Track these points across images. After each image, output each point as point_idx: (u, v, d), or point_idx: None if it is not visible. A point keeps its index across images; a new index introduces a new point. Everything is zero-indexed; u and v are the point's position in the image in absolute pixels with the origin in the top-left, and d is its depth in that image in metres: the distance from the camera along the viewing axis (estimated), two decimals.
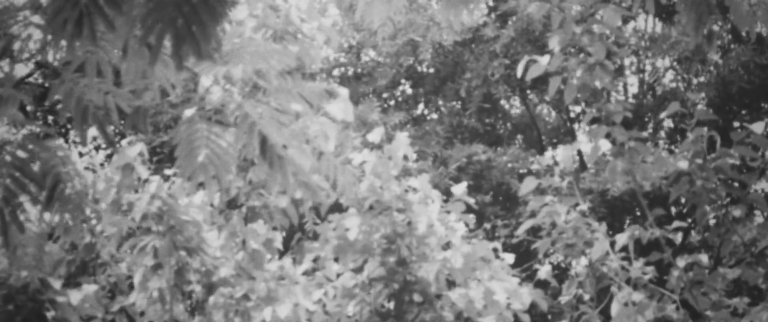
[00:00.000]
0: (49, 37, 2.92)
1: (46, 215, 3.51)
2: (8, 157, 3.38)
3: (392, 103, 17.60)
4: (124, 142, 7.23)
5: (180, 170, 3.55)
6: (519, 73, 6.63)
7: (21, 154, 3.40)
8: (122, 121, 3.48)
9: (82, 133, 3.42)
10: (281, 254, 7.91)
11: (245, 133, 3.55)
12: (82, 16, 2.81)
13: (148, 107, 3.45)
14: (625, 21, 16.01)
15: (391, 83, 17.17)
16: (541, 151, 17.65)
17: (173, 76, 2.98)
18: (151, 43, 2.73)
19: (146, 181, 7.20)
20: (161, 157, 13.90)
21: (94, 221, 6.94)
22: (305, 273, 7.72)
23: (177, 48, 2.71)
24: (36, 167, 3.41)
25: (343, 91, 5.95)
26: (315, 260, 7.80)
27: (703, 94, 15.84)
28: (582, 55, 6.55)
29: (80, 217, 3.50)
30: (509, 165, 16.37)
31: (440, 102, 17.84)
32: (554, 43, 6.51)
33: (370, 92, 16.82)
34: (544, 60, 6.56)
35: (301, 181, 3.61)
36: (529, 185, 7.22)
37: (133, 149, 7.15)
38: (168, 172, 7.36)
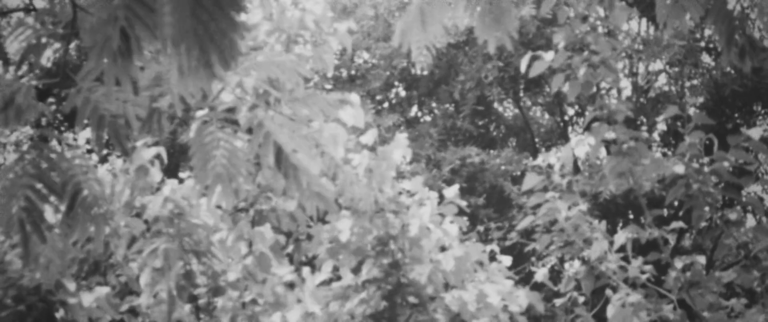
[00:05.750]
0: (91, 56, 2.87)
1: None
2: (29, 168, 3.35)
3: (386, 105, 17.60)
4: (138, 144, 7.21)
5: (196, 177, 3.53)
6: (522, 68, 6.61)
7: (42, 164, 3.38)
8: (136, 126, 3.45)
9: (99, 142, 3.39)
10: (291, 259, 7.91)
11: (260, 143, 3.54)
12: (128, 37, 2.78)
13: (163, 111, 3.43)
14: (604, 25, 15.99)
15: (385, 86, 17.18)
16: (535, 154, 17.67)
17: (192, 85, 2.97)
18: (183, 59, 2.71)
19: (162, 182, 7.20)
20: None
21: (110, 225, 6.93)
22: (322, 283, 7.72)
23: (206, 59, 2.70)
24: (56, 177, 3.39)
25: (355, 98, 5.95)
26: (318, 266, 7.78)
27: (701, 99, 15.87)
28: (586, 53, 6.54)
29: (103, 225, 3.48)
30: (502, 168, 16.38)
31: (434, 104, 17.86)
32: (559, 38, 6.50)
33: (363, 94, 16.82)
34: (548, 56, 6.55)
35: (314, 191, 3.60)
36: (531, 180, 7.21)
37: (149, 152, 7.13)
38: (182, 175, 7.35)
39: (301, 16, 6.45)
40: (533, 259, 14.97)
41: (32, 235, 3.30)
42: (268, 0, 6.44)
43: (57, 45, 3.60)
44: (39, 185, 3.35)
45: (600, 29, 6.47)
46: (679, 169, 6.93)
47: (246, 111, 3.56)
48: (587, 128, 7.01)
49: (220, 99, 3.62)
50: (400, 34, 3.94)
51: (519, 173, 16.23)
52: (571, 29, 6.47)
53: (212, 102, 3.61)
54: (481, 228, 15.57)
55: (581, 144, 7.13)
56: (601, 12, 6.76)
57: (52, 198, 3.37)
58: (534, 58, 6.62)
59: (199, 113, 3.57)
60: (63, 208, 3.42)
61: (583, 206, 7.29)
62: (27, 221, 3.30)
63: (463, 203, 7.95)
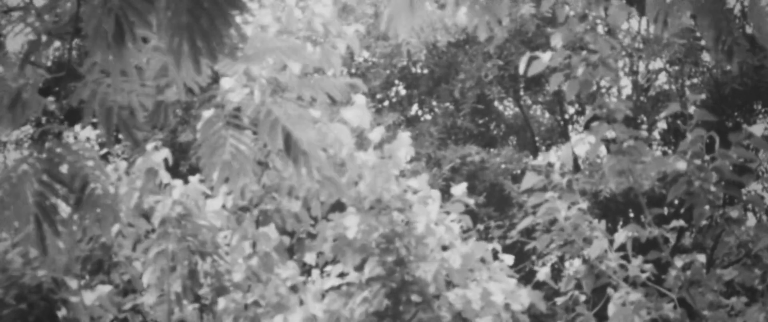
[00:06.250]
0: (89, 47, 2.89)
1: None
2: (37, 163, 3.35)
3: (386, 104, 17.61)
4: (148, 147, 7.24)
5: (204, 168, 3.54)
6: (520, 69, 6.62)
7: (49, 157, 3.37)
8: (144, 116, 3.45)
9: (108, 135, 3.40)
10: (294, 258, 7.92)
11: (269, 131, 3.55)
12: (120, 23, 2.80)
13: (169, 103, 3.44)
14: (603, 24, 15.99)
15: (385, 84, 17.18)
16: (535, 152, 17.66)
17: (197, 77, 2.98)
18: (174, 49, 2.74)
19: (167, 185, 7.22)
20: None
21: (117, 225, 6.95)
22: (333, 288, 7.73)
23: (193, 52, 2.73)
24: (64, 169, 3.39)
25: (361, 99, 5.97)
26: (329, 266, 7.79)
27: (703, 95, 15.86)
28: (585, 52, 6.55)
29: (110, 217, 3.48)
30: (503, 166, 16.38)
31: (434, 103, 17.86)
32: (557, 39, 6.50)
33: (364, 93, 16.79)
34: (545, 56, 6.56)
35: (325, 175, 3.62)
36: (530, 180, 7.22)
37: (158, 155, 7.16)
38: (192, 178, 7.37)
39: (310, 19, 6.47)
40: (533, 257, 14.98)
41: (44, 227, 3.30)
42: (278, 3, 6.46)
43: (57, 43, 3.60)
44: (49, 179, 3.35)
45: (600, 28, 6.48)
46: (681, 165, 6.93)
47: (257, 102, 3.57)
48: (587, 127, 7.02)
49: (227, 93, 3.64)
50: (389, 19, 3.93)
51: (519, 172, 16.23)
52: (569, 28, 6.48)
53: (221, 96, 3.63)
54: (481, 226, 15.57)
55: (581, 143, 7.14)
56: (600, 11, 6.76)
57: (62, 191, 3.38)
58: (532, 59, 6.63)
59: (206, 114, 3.59)
60: (72, 201, 3.42)
61: (583, 205, 7.30)
62: (40, 214, 3.30)
63: (471, 201, 7.98)
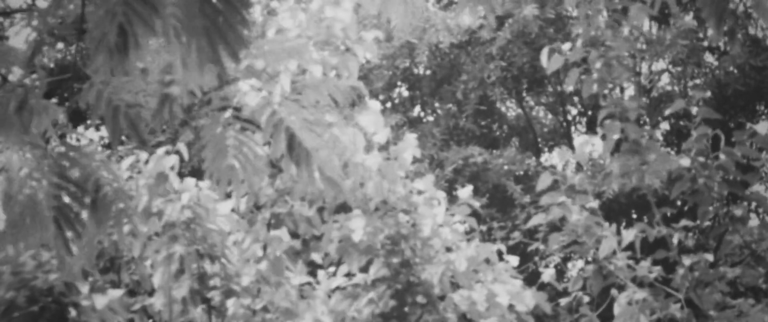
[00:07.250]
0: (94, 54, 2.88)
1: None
2: (51, 165, 3.33)
3: (388, 105, 17.59)
4: (159, 151, 7.23)
5: (208, 172, 3.53)
6: (543, 62, 6.61)
7: (63, 162, 3.35)
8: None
9: (115, 135, 3.38)
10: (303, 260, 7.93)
11: (272, 131, 3.54)
12: (125, 32, 2.79)
13: (175, 97, 3.41)
14: (620, 22, 16.00)
15: (387, 85, 17.16)
16: (538, 153, 17.65)
17: (200, 79, 2.97)
18: (193, 53, 2.74)
19: (176, 190, 7.22)
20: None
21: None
22: (339, 289, 7.73)
23: (214, 53, 2.73)
24: (76, 173, 3.37)
25: (375, 104, 5.96)
26: (337, 268, 7.79)
27: (708, 92, 15.85)
28: (603, 49, 6.54)
29: (123, 222, 3.45)
30: (505, 167, 16.35)
31: (436, 104, 17.85)
32: (578, 29, 6.49)
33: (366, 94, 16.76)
34: (565, 47, 6.56)
35: (326, 176, 3.60)
36: (545, 180, 7.22)
37: (169, 160, 7.15)
38: (202, 183, 7.37)
39: (330, 24, 6.47)
40: (536, 258, 14.96)
41: (65, 230, 3.28)
42: (297, 9, 6.47)
43: (59, 45, 3.60)
44: (66, 184, 3.33)
45: (623, 30, 6.48)
46: (686, 162, 6.93)
47: (274, 98, 3.57)
48: (600, 125, 7.01)
49: (236, 94, 3.63)
50: (382, 4, 3.91)
51: (522, 173, 16.21)
52: (588, 23, 6.48)
53: (231, 93, 3.61)
54: (483, 228, 15.55)
55: (587, 143, 7.15)
56: (605, 13, 6.76)
57: (79, 195, 3.36)
58: (552, 52, 6.62)
59: (211, 116, 3.59)
60: (87, 205, 3.40)
61: (594, 204, 7.30)
62: (60, 218, 3.28)
63: (477, 204, 7.99)
